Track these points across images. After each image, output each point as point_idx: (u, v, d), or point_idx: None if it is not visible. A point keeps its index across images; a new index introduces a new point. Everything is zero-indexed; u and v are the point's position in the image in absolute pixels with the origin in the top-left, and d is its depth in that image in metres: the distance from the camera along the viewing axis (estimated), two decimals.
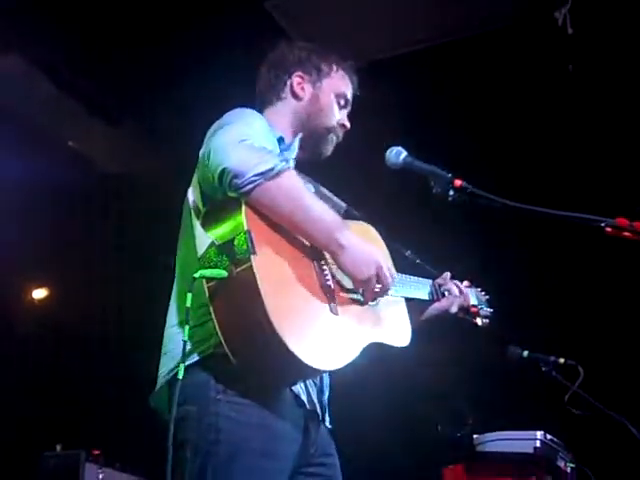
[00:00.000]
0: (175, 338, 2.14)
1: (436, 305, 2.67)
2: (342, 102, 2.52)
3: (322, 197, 2.32)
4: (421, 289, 2.64)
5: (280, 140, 2.35)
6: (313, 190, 2.44)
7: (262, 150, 2.09)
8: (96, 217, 5.86)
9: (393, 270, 2.23)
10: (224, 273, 1.98)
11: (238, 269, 1.97)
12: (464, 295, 2.74)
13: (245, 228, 2.00)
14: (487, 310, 2.92)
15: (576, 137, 4.83)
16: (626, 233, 1.99)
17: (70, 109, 5.17)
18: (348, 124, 2.54)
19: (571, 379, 3.53)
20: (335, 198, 2.48)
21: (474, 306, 2.82)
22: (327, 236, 2.11)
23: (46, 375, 5.82)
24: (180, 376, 1.99)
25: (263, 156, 2.06)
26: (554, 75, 4.59)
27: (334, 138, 2.51)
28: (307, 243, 2.17)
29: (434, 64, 4.74)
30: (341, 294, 2.20)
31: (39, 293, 6.48)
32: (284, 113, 2.46)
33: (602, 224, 2.03)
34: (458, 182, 2.20)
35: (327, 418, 2.31)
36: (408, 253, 2.68)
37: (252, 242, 1.98)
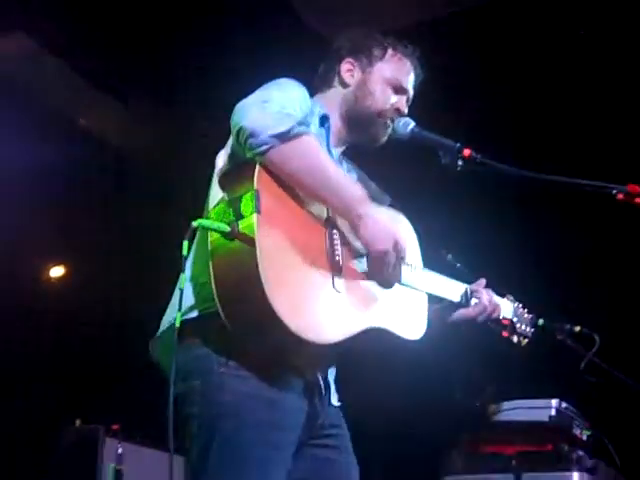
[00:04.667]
0: (184, 291, 2.07)
1: (462, 311, 2.52)
2: (396, 87, 2.42)
3: (366, 186, 2.24)
4: (451, 290, 2.50)
5: (323, 118, 2.32)
6: (356, 177, 2.41)
7: (279, 113, 2.04)
8: (110, 195, 5.87)
9: (406, 254, 2.13)
10: (226, 227, 1.95)
11: (240, 226, 1.94)
12: (493, 305, 2.55)
13: (254, 187, 1.97)
14: (526, 330, 2.75)
15: (588, 103, 4.79)
16: (638, 199, 1.98)
17: (78, 87, 5.16)
18: (404, 109, 2.41)
19: (587, 347, 3.51)
20: (378, 190, 2.42)
21: (505, 319, 2.67)
22: (345, 203, 2.05)
23: (65, 351, 5.87)
24: (177, 324, 1.93)
25: (281, 118, 2.02)
26: (566, 40, 4.56)
27: (388, 123, 2.38)
28: (321, 213, 2.12)
29: (444, 34, 4.70)
30: (349, 270, 2.13)
31: (57, 271, 6.51)
32: (332, 97, 2.41)
33: (613, 191, 2.02)
34: (467, 152, 2.19)
35: (334, 397, 2.27)
36: (449, 257, 2.62)
37: (258, 201, 1.94)
